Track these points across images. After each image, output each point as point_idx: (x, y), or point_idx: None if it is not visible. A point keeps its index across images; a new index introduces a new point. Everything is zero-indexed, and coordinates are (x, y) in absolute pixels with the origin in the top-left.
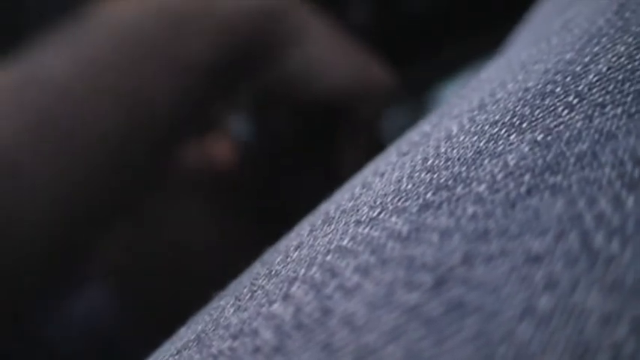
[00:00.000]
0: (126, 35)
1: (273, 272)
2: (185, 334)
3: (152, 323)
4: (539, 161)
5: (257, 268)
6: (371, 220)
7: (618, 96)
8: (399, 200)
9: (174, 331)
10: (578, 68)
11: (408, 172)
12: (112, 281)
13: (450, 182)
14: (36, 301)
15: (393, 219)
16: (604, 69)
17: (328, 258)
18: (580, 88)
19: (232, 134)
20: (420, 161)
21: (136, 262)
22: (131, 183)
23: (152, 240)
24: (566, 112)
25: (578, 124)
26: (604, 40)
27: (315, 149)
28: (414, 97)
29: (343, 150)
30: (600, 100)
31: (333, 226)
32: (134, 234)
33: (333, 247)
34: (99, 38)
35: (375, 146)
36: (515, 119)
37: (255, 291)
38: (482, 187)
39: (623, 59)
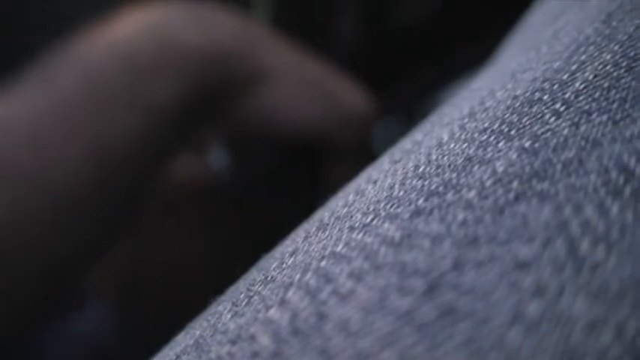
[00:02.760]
0: (90, 76)
1: (269, 278)
2: (183, 339)
3: (152, 338)
4: (527, 168)
5: (253, 274)
6: (364, 226)
7: (604, 103)
8: (391, 207)
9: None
10: (565, 76)
11: (400, 179)
12: (111, 297)
13: (440, 189)
14: (33, 323)
15: (386, 225)
16: (590, 77)
17: (323, 264)
18: (567, 95)
19: (212, 165)
20: (411, 168)
21: (135, 278)
22: (103, 222)
23: (150, 257)
24: (553, 119)
25: (565, 132)
26: (591, 48)
27: (297, 180)
28: (404, 111)
29: (331, 176)
30: (587, 107)
31: (327, 233)
32: (132, 252)
33: (327, 253)
34: (65, 80)
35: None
36: (503, 127)
37: (252, 296)
38: (472, 193)
39: (609, 67)
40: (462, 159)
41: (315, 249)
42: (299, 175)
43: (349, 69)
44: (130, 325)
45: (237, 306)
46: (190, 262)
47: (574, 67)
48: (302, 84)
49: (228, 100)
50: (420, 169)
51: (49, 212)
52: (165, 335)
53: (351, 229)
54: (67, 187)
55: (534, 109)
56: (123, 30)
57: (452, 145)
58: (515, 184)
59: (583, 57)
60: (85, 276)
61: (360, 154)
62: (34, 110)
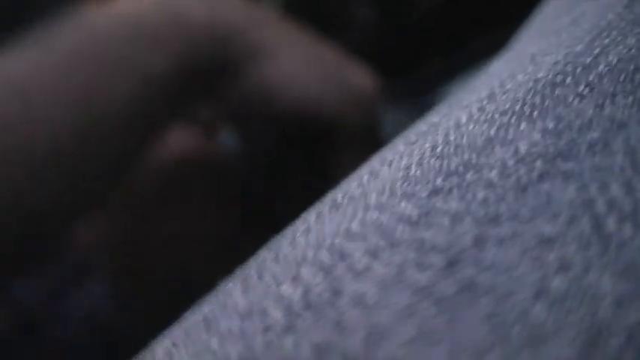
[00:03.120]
0: (93, 42)
1: (280, 256)
2: (192, 316)
3: (152, 316)
4: (551, 148)
5: (263, 254)
6: (380, 205)
7: (629, 86)
8: (407, 186)
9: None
10: (588, 60)
11: (417, 159)
12: (111, 273)
13: (460, 168)
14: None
15: (403, 204)
16: (614, 60)
17: (337, 241)
18: (590, 78)
19: (220, 144)
20: (428, 149)
21: (135, 254)
22: (84, 180)
23: (151, 232)
24: (576, 101)
25: (589, 113)
26: (614, 32)
27: (305, 160)
28: (419, 99)
29: (339, 162)
30: (611, 90)
31: (340, 211)
32: (132, 227)
33: (341, 230)
34: (68, 43)
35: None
36: (525, 108)
37: (263, 273)
38: (493, 172)
39: (633, 51)
40: (482, 139)
41: (329, 227)
42: (308, 160)
43: (362, 56)
44: (130, 302)
45: (247, 282)
46: (194, 240)
47: (597, 51)
48: (305, 62)
49: (228, 75)
50: (438, 150)
51: (30, 164)
52: (165, 311)
53: (366, 208)
54: (51, 143)
55: (557, 92)
56: (131, 2)
57: (471, 126)
58: (538, 163)
59: (606, 41)
60: (62, 231)
61: (369, 138)
62: (30, 67)
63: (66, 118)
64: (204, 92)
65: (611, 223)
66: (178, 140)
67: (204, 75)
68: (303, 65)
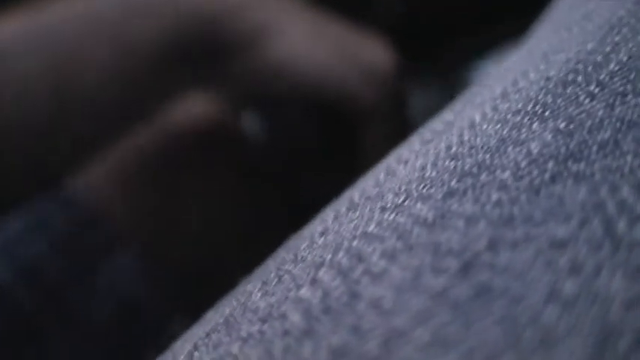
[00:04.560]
0: (74, 14)
1: (299, 258)
2: (213, 317)
3: (178, 292)
4: (563, 149)
5: (282, 254)
6: (396, 206)
7: (639, 85)
8: (423, 187)
9: (200, 300)
10: (599, 58)
11: (432, 159)
12: (137, 250)
13: (474, 169)
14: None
15: (419, 205)
16: (625, 58)
17: (354, 243)
18: (601, 77)
19: (245, 130)
20: (443, 149)
21: (163, 228)
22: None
23: (178, 209)
24: (587, 100)
25: (600, 113)
26: (625, 30)
27: (333, 145)
28: (445, 78)
29: (365, 142)
30: (621, 89)
31: (358, 213)
32: (161, 203)
33: (359, 232)
34: (51, 14)
35: (402, 132)
36: (537, 108)
37: (282, 276)
38: (507, 174)
39: None
40: (496, 140)
41: (346, 229)
42: (331, 143)
43: (387, 37)
44: (158, 276)
45: (267, 285)
46: (217, 219)
47: (608, 49)
48: (314, 37)
49: (232, 54)
50: (453, 150)
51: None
52: (194, 288)
53: (383, 209)
54: (19, 106)
55: (568, 91)
56: None
57: (484, 127)
58: (550, 164)
59: (617, 38)
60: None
61: (391, 114)
62: (11, 34)
63: (49, 83)
64: (205, 70)
65: (622, 225)
66: (197, 111)
67: (202, 53)
68: (312, 41)
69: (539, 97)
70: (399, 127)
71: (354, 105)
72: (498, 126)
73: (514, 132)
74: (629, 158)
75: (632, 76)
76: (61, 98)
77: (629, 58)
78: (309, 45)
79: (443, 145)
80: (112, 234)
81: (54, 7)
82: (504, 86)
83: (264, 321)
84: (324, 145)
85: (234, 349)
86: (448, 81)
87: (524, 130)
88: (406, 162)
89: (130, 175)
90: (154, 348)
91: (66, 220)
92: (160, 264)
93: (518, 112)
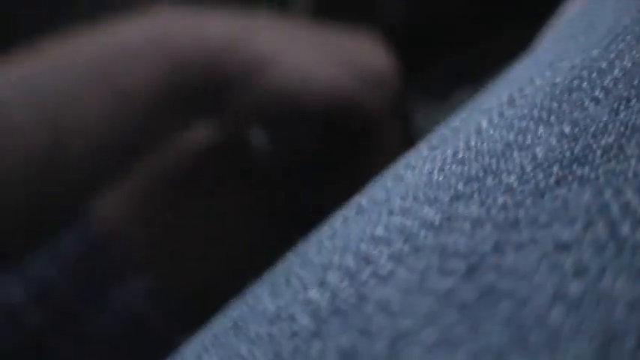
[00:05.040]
0: (71, 64)
1: (307, 260)
2: (221, 320)
3: (187, 310)
4: (567, 153)
5: (290, 258)
6: (403, 210)
7: None
8: (430, 191)
9: (209, 318)
10: (603, 64)
11: (439, 164)
12: (149, 272)
13: (480, 173)
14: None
15: (425, 209)
16: (629, 65)
17: (362, 246)
18: (606, 83)
19: (250, 143)
20: (450, 154)
21: (172, 251)
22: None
23: (187, 230)
24: (592, 106)
25: (604, 118)
26: (629, 37)
27: (337, 157)
28: (448, 93)
29: (372, 149)
30: (625, 94)
31: (365, 216)
32: (172, 225)
33: (366, 235)
34: (48, 60)
35: (407, 137)
36: (543, 113)
37: (290, 278)
38: (512, 177)
39: None
40: (502, 145)
41: (354, 232)
42: (337, 156)
43: (391, 48)
44: (168, 298)
45: (275, 287)
46: (225, 236)
47: (612, 56)
48: (314, 53)
49: (233, 88)
50: (459, 155)
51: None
52: (202, 308)
53: (390, 212)
54: (16, 155)
55: (573, 96)
56: (116, 31)
57: (491, 132)
58: (555, 168)
59: (621, 45)
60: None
61: (395, 121)
62: (10, 84)
63: (48, 132)
64: (208, 103)
65: (626, 228)
66: (204, 133)
67: (202, 89)
68: (311, 58)
69: (545, 103)
70: (404, 131)
71: (360, 113)
72: (504, 131)
73: (519, 137)
74: (632, 162)
75: (635, 82)
76: (61, 146)
77: (633, 64)
78: (309, 64)
79: (450, 151)
80: (125, 257)
81: (48, 55)
82: (511, 92)
83: (272, 322)
84: (327, 154)
85: (243, 350)
86: (450, 95)
87: (529, 135)
88: (414, 167)
89: (142, 199)
90: None
91: (78, 243)
92: (170, 284)
93: (524, 117)
